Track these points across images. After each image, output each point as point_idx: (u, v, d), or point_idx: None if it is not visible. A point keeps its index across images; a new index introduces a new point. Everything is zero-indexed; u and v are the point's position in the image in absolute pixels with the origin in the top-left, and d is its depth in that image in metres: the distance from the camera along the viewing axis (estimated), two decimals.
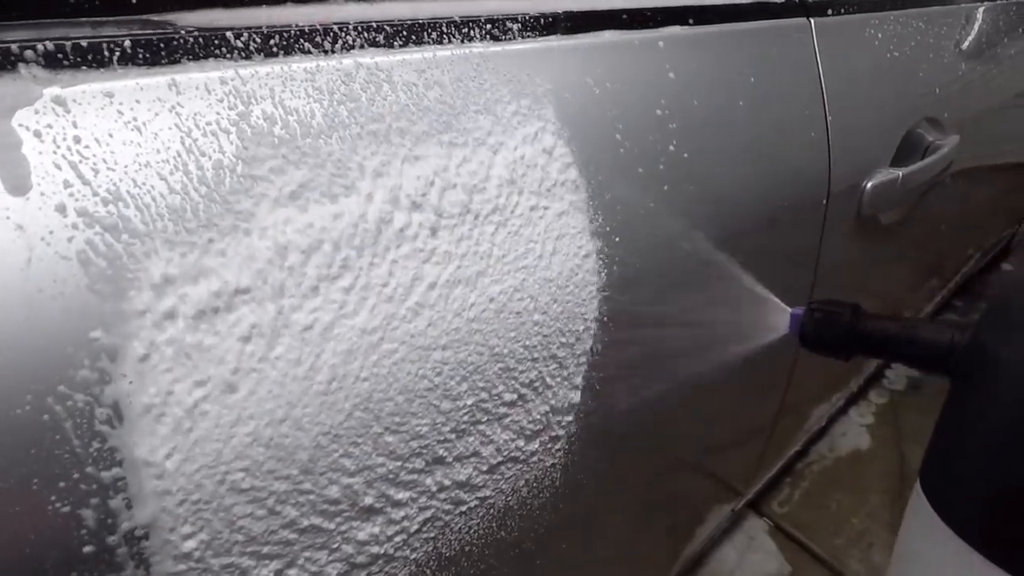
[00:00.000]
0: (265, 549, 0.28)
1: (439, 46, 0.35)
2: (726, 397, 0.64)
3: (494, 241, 0.33)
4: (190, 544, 0.26)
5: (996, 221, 1.72)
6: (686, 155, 0.44)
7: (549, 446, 0.41)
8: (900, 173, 0.65)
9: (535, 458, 0.40)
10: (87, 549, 0.23)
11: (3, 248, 0.21)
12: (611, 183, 0.39)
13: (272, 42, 0.29)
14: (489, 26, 0.37)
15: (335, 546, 0.31)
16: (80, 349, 0.23)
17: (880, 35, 0.64)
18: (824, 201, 0.57)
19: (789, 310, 0.53)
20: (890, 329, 0.45)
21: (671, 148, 0.43)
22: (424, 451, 0.33)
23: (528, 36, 0.38)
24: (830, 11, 0.60)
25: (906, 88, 0.68)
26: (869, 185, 0.63)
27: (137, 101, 0.25)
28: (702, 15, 0.48)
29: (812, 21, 0.57)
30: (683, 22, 0.47)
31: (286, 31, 0.30)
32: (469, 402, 0.34)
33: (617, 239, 0.40)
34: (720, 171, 0.47)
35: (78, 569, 0.23)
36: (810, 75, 0.56)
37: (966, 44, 0.83)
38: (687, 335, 0.50)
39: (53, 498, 0.22)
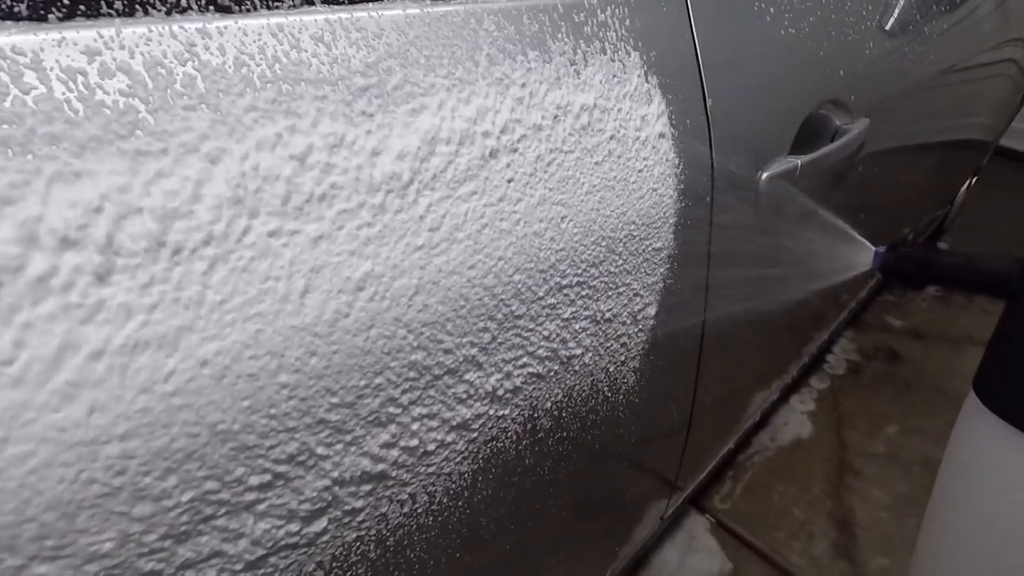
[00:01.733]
0: None
1: None
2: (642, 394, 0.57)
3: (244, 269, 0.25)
4: None
5: (927, 202, 1.71)
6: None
7: (344, 521, 0.33)
8: (799, 162, 0.59)
9: (324, 538, 0.32)
10: None
11: None
12: None
13: None
14: None
15: None
16: None
17: (771, 7, 0.57)
18: (708, 198, 0.50)
19: (873, 248, 0.63)
20: (958, 261, 0.53)
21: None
22: (116, 571, 0.25)
23: None
24: None
25: (806, 68, 0.62)
26: (764, 176, 0.56)
27: None
28: None
29: None
30: None
31: None
32: (185, 499, 0.26)
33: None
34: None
35: None
36: (685, 52, 0.48)
37: (888, 23, 0.77)
38: None
39: None
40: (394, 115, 0.30)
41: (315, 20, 0.29)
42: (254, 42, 0.27)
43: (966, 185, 2.22)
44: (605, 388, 0.49)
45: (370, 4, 0.31)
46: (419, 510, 0.37)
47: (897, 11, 0.78)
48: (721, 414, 0.96)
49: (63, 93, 0.23)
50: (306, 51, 0.28)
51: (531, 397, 0.41)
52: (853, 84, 0.68)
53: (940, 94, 1.06)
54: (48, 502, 0.22)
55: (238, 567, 0.29)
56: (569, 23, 0.39)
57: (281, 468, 0.29)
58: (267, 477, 0.28)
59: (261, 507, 0.29)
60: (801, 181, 0.60)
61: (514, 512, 0.47)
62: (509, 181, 0.35)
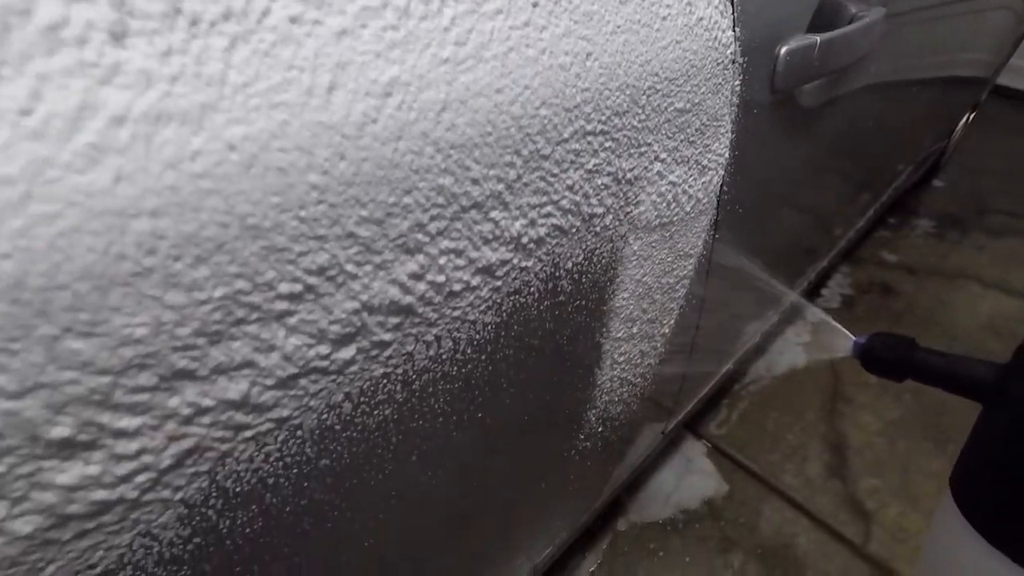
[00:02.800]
0: None
1: None
2: (646, 318, 0.57)
3: (229, 59, 0.23)
4: None
5: (925, 132, 1.69)
6: None
7: (372, 353, 0.32)
8: (818, 39, 0.57)
9: (352, 368, 0.32)
10: None
11: None
12: None
13: None
14: None
15: (17, 495, 0.22)
16: None
17: None
18: (731, 60, 0.48)
19: (852, 338, 0.63)
20: (937, 363, 0.53)
21: None
22: (151, 362, 0.24)
23: None
24: None
25: None
26: (783, 51, 0.54)
27: None
28: None
29: None
30: None
31: None
32: (217, 294, 0.25)
33: None
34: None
35: None
36: None
37: None
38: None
39: None
40: None
41: None
42: None
43: (964, 120, 2.21)
44: (625, 257, 0.49)
45: None
46: (444, 356, 0.37)
47: None
48: (719, 341, 0.97)
49: None
50: None
51: (553, 253, 0.41)
52: None
53: (942, 23, 1.04)
54: (80, 271, 0.21)
55: (269, 382, 0.28)
56: None
57: (312, 280, 0.28)
58: (298, 287, 0.27)
59: (292, 320, 0.28)
60: (817, 60, 0.58)
61: (535, 379, 0.47)
62: (534, 5, 0.33)
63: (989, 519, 0.47)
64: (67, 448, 0.23)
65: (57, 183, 0.20)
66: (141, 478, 0.26)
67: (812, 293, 1.95)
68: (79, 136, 0.21)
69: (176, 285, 0.24)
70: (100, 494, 0.25)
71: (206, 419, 0.27)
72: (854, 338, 0.64)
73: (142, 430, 0.25)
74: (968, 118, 2.27)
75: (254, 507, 0.31)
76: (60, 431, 0.23)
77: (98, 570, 0.26)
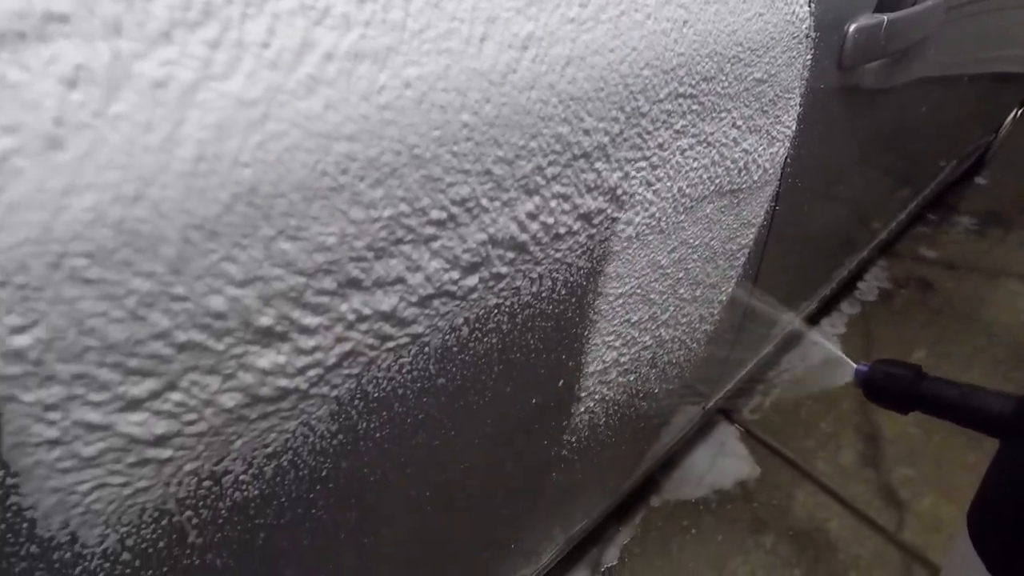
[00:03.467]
0: (133, 362, 0.24)
1: None
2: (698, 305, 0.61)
3: (407, 8, 0.27)
4: (23, 340, 0.21)
5: (972, 126, 1.68)
6: None
7: (490, 284, 0.36)
8: (885, 18, 0.59)
9: (473, 295, 0.36)
10: None
11: None
12: None
13: None
14: None
15: (228, 372, 0.27)
16: None
17: None
18: (807, 34, 0.51)
19: (854, 365, 0.59)
20: (948, 394, 0.50)
21: None
22: (333, 268, 0.28)
23: None
24: None
25: None
26: (852, 28, 0.57)
27: None
28: None
29: None
30: None
31: None
32: (386, 214, 0.29)
33: None
34: None
35: None
36: None
37: None
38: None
39: None
40: None
41: None
42: None
43: (1012, 116, 2.17)
44: (699, 218, 0.52)
45: None
46: (543, 294, 0.41)
47: None
48: (766, 327, 0.99)
49: None
50: None
51: (640, 207, 0.44)
52: None
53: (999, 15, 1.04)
54: (295, 183, 0.25)
55: (412, 299, 0.33)
56: None
57: (454, 209, 0.32)
58: (443, 215, 0.32)
59: (435, 245, 0.32)
60: (883, 39, 0.61)
61: (611, 330, 0.51)
62: None
63: (1006, 562, 0.45)
64: (267, 337, 0.27)
65: (285, 107, 0.25)
66: (312, 372, 0.30)
67: (847, 287, 1.94)
68: (301, 68, 0.25)
69: (359, 203, 0.28)
70: (283, 382, 0.29)
71: (363, 326, 0.31)
72: (855, 365, 0.60)
73: (319, 329, 0.29)
74: (1016, 114, 2.23)
75: (384, 414, 0.36)
76: (265, 320, 0.27)
77: (268, 450, 0.31)
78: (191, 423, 0.27)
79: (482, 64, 0.30)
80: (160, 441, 0.26)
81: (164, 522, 0.28)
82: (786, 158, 0.60)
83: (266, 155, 0.24)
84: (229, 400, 0.28)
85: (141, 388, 0.24)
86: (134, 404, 0.24)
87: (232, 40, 0.23)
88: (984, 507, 0.48)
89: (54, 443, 0.23)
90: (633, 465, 0.88)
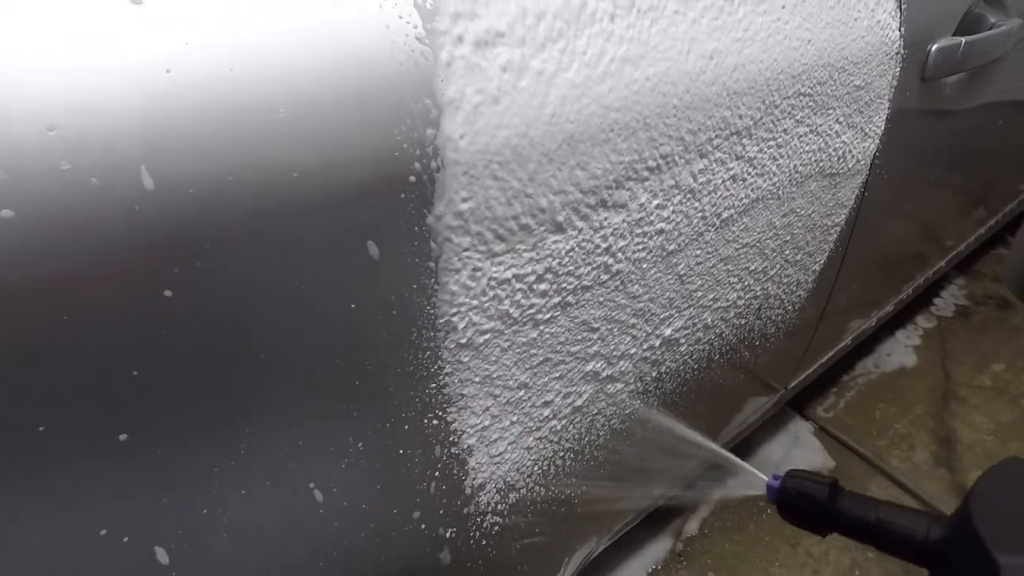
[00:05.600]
0: (537, 222, 0.42)
1: None
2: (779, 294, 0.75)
3: (651, 32, 0.45)
4: (464, 206, 0.39)
5: None
6: None
7: (668, 216, 0.53)
8: (963, 40, 0.73)
9: (660, 224, 0.53)
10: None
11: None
12: None
13: None
14: None
15: (539, 245, 0.45)
16: (412, 56, 0.35)
17: None
18: (897, 52, 0.67)
19: (765, 479, 0.55)
20: (865, 514, 0.46)
21: None
22: (596, 191, 0.46)
23: None
24: None
25: None
26: (934, 48, 0.71)
27: None
28: None
29: None
30: None
31: None
32: (626, 158, 0.47)
33: None
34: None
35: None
36: None
37: None
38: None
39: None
40: None
41: None
42: None
43: None
44: (808, 192, 0.68)
45: None
46: (696, 231, 0.58)
47: None
48: (840, 328, 1.09)
49: None
50: None
51: (770, 176, 0.61)
52: None
53: None
54: (590, 135, 0.43)
55: (629, 220, 0.50)
56: None
57: (660, 161, 0.49)
58: (654, 163, 0.49)
59: (646, 183, 0.49)
60: (961, 57, 0.75)
61: (750, 270, 0.67)
62: (783, 7, 0.54)
63: None
64: (559, 229, 0.45)
65: (589, 89, 0.42)
66: (574, 255, 0.47)
67: (923, 302, 1.98)
68: (599, 67, 0.43)
69: (615, 150, 0.45)
70: (566, 257, 0.47)
71: (604, 231, 0.48)
72: (767, 479, 0.55)
73: (583, 229, 0.47)
74: None
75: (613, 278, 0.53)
76: (560, 218, 0.44)
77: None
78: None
79: (688, 68, 0.48)
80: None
81: None
82: (875, 152, 0.75)
83: (578, 116, 0.42)
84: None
85: (550, 238, 0.42)
86: (497, 255, 0.42)
87: (570, 49, 0.41)
88: None
89: (457, 271, 0.41)
90: (721, 427, 1.01)
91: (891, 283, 1.30)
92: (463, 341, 0.44)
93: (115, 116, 0.26)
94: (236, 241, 0.31)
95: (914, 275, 1.39)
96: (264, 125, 0.30)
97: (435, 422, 0.45)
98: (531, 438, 0.55)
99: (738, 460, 0.65)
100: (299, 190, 0.32)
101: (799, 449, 1.56)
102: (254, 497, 0.37)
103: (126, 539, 0.33)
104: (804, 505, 0.50)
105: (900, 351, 1.85)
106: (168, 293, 0.29)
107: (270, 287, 0.33)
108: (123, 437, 0.31)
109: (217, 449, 0.35)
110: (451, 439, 0.47)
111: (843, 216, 0.79)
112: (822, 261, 0.82)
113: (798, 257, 0.75)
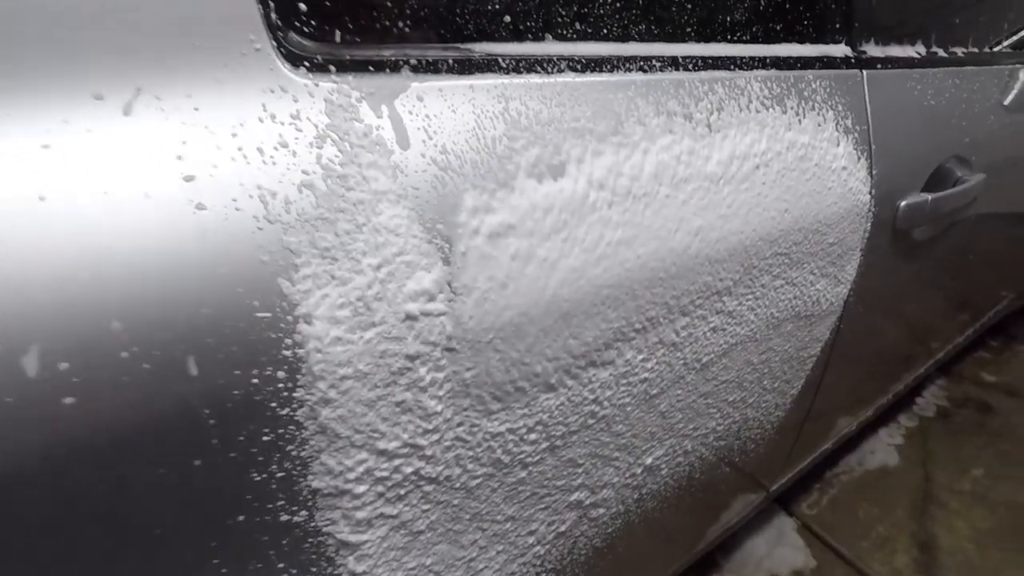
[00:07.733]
0: (531, 384, 0.46)
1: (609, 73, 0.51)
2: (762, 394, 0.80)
3: (644, 215, 0.51)
4: (468, 375, 0.44)
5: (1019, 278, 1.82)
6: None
7: (654, 367, 0.58)
8: (930, 197, 0.80)
9: (644, 374, 0.58)
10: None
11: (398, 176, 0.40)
12: None
13: (520, 64, 0.46)
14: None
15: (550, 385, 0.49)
16: (434, 234, 0.40)
17: (919, 87, 0.80)
18: (868, 211, 0.74)
19: None
20: None
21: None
22: (585, 354, 0.51)
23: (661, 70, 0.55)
24: (879, 66, 0.76)
25: (939, 130, 0.84)
26: (903, 204, 0.78)
27: (453, 94, 0.42)
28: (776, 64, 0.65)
29: (864, 73, 0.74)
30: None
31: (528, 58, 0.47)
32: (615, 325, 0.52)
33: None
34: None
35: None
36: (861, 114, 0.72)
37: (1007, 100, 0.98)
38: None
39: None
40: (713, 140, 0.56)
41: None
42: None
43: None
44: (784, 332, 0.73)
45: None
46: (678, 375, 0.62)
47: (1015, 91, 0.98)
48: (826, 427, 1.13)
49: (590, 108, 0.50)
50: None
51: (750, 323, 0.66)
52: (975, 146, 0.89)
53: None
54: (581, 310, 0.48)
55: (615, 373, 0.54)
56: (796, 89, 0.64)
57: (646, 323, 0.54)
58: (640, 325, 0.54)
59: (632, 342, 0.54)
60: (929, 210, 0.82)
61: (737, 383, 0.71)
62: (763, 184, 0.60)
63: None
64: (551, 388, 0.50)
65: (584, 271, 0.48)
66: (567, 400, 0.52)
67: (906, 400, 2.02)
68: (597, 250, 0.48)
69: (605, 319, 0.50)
70: (560, 400, 0.51)
71: (592, 385, 0.53)
72: None
73: (574, 386, 0.51)
74: None
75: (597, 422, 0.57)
76: (552, 380, 0.49)
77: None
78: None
79: (675, 244, 0.53)
80: None
81: None
82: (848, 295, 0.81)
83: (574, 295, 0.48)
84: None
85: (499, 406, 0.47)
86: (493, 413, 0.47)
87: (572, 237, 0.47)
88: None
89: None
90: (706, 530, 1.03)
91: (870, 394, 1.34)
92: (456, 487, 0.47)
93: None
94: None
95: (894, 383, 1.44)
96: None
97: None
98: (516, 564, 0.58)
99: None
100: None
101: (782, 547, 1.56)
102: None
103: None
104: None
105: (883, 449, 1.87)
106: None
107: None
108: None
109: None
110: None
111: (819, 348, 0.84)
112: (799, 387, 0.87)
113: (775, 385, 0.80)
